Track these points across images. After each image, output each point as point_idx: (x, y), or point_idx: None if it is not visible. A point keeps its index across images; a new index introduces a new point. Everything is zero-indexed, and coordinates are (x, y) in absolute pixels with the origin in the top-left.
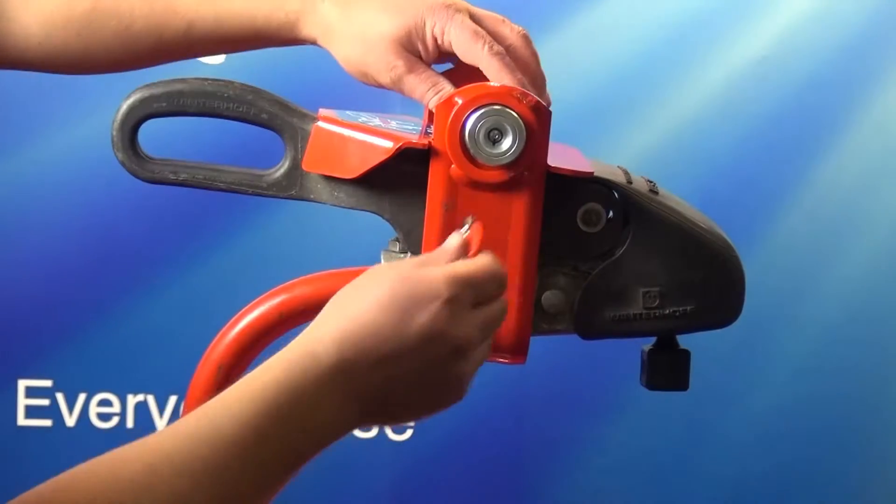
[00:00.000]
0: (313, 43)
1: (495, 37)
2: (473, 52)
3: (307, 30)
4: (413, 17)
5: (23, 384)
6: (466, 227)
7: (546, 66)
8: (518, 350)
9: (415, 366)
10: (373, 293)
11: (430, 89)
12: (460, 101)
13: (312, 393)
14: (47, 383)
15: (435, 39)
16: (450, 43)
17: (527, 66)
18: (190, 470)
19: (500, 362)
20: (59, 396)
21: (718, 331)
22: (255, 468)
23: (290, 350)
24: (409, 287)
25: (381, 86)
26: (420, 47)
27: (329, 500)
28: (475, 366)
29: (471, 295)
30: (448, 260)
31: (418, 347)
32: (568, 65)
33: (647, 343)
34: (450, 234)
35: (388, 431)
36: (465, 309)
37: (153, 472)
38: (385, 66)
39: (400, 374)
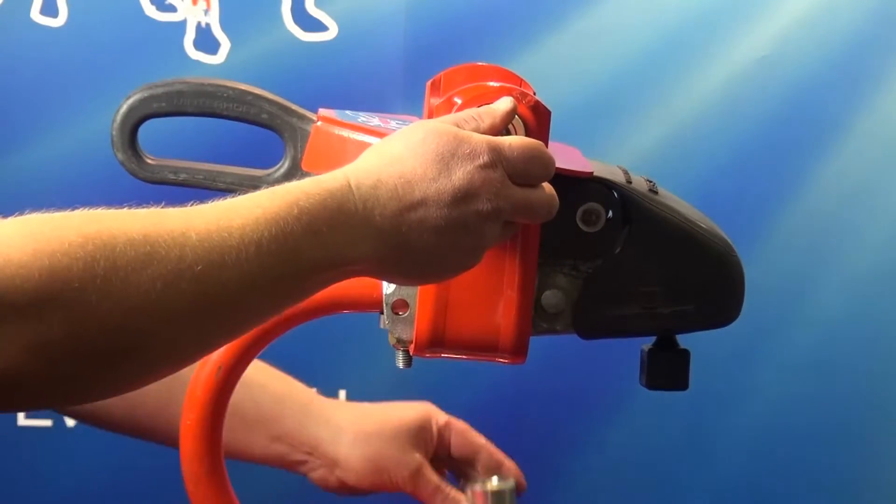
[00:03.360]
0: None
1: None
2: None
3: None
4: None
5: None
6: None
7: (546, 66)
8: (518, 350)
9: (441, 220)
10: (417, 144)
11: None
12: (459, 101)
13: (335, 212)
14: None
15: (440, 434)
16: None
17: None
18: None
19: (500, 362)
20: None
21: (718, 331)
22: (260, 258)
23: (327, 175)
24: (453, 144)
25: (395, 486)
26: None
27: (329, 500)
28: (491, 240)
29: (510, 168)
30: (495, 119)
31: (449, 202)
32: (568, 65)
33: (647, 343)
34: None
35: None
36: (501, 178)
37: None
38: (403, 459)
39: (425, 224)
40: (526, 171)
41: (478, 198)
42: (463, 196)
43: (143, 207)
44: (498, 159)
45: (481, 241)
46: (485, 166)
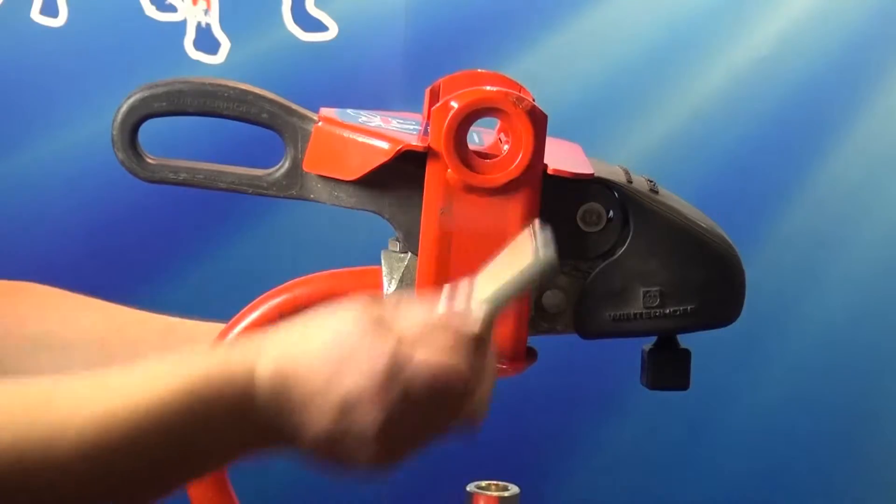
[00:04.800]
0: None
1: None
2: None
3: None
4: None
5: None
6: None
7: (547, 66)
8: (513, 356)
9: (325, 428)
10: (329, 337)
11: None
12: (456, 106)
13: (230, 406)
14: None
15: None
16: None
17: None
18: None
19: (500, 367)
20: None
21: (719, 330)
22: (147, 442)
23: (237, 353)
24: (357, 344)
25: None
26: None
27: (329, 500)
28: (398, 456)
29: (410, 390)
30: (465, 327)
31: (335, 411)
32: (568, 65)
33: (648, 343)
34: (447, 238)
35: None
36: (397, 398)
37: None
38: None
39: (311, 430)
40: (426, 406)
41: (360, 410)
42: (350, 407)
43: (143, 207)
44: (394, 376)
45: (379, 455)
46: (377, 376)
